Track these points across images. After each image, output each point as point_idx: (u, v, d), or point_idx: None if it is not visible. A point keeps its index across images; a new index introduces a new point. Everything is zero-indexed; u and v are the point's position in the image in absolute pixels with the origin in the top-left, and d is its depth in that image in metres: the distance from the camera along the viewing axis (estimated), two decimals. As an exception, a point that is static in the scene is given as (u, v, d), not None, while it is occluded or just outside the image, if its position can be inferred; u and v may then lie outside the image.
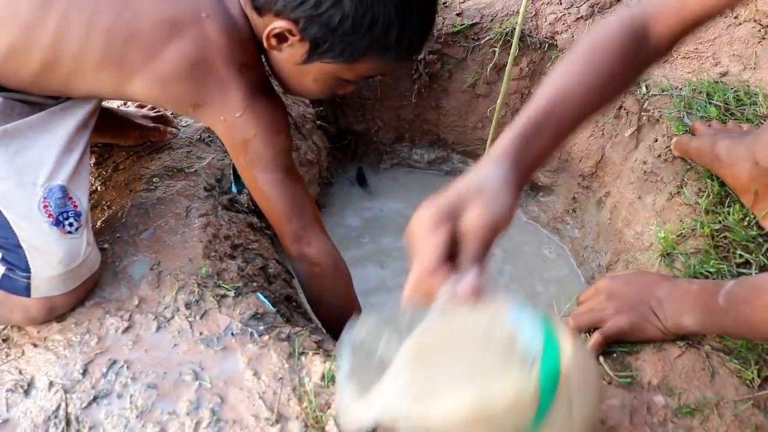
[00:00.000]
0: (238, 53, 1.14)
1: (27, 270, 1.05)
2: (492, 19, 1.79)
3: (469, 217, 0.73)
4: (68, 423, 0.97)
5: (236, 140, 1.20)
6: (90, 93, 1.18)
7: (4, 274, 1.06)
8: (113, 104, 1.54)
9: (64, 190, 1.08)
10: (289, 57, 1.15)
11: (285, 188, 1.25)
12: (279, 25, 1.08)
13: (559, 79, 0.91)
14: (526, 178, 0.86)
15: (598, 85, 0.91)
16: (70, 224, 1.07)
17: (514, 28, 1.72)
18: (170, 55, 1.10)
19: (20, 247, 1.04)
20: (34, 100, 1.15)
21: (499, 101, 1.59)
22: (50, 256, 1.05)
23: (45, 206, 1.05)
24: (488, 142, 1.72)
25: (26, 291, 1.06)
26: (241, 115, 1.17)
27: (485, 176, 0.78)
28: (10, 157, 1.06)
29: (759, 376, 0.98)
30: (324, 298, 1.36)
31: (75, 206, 1.09)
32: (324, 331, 1.34)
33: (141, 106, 1.60)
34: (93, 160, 1.46)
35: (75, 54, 1.08)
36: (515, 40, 1.48)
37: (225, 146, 1.27)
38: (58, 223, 1.06)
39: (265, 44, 1.13)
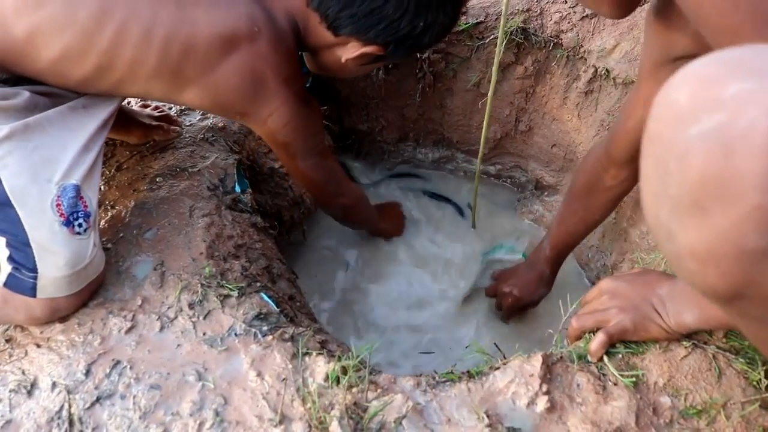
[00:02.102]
0: (285, 67, 1.25)
1: (34, 270, 1.05)
2: (497, 18, 1.78)
3: None
4: (71, 423, 0.97)
5: (278, 141, 1.35)
6: (137, 96, 1.27)
7: (10, 274, 1.06)
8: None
9: (77, 190, 1.08)
10: (353, 63, 1.29)
11: (323, 168, 1.46)
12: (371, 50, 1.25)
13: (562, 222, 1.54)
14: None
15: (589, 217, 1.48)
16: (80, 225, 1.08)
17: (519, 27, 1.72)
18: (226, 69, 1.18)
19: (29, 246, 1.04)
20: (57, 92, 1.16)
21: (489, 94, 1.59)
22: (57, 256, 1.05)
23: (58, 204, 1.06)
24: (482, 138, 1.72)
25: (32, 291, 1.06)
26: (285, 126, 1.30)
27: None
28: (29, 153, 1.07)
29: (766, 377, 0.97)
30: (358, 223, 1.83)
31: (85, 206, 1.09)
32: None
33: (145, 106, 1.60)
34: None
35: (130, 62, 1.13)
36: (499, 43, 1.47)
37: (264, 140, 1.42)
38: (68, 223, 1.06)
39: (344, 60, 1.28)
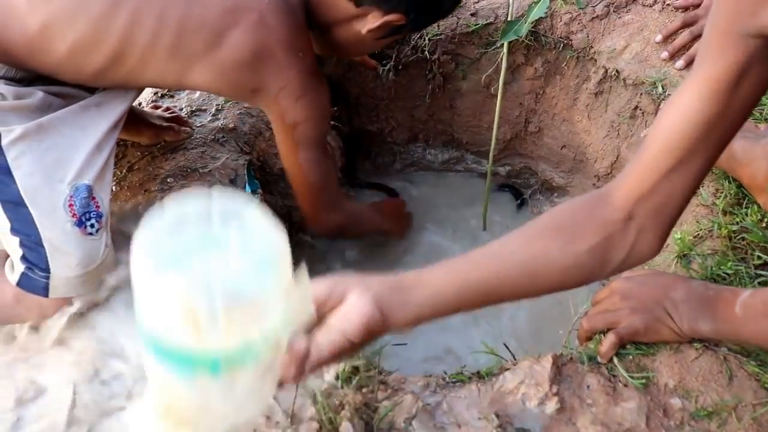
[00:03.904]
0: (296, 40, 1.22)
1: (47, 270, 1.05)
2: (506, 20, 1.78)
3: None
4: (80, 423, 0.98)
5: (287, 122, 1.30)
6: (151, 84, 1.28)
7: (23, 273, 1.07)
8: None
9: (90, 190, 1.09)
10: (372, 35, 1.26)
11: (322, 165, 1.40)
12: (393, 18, 1.22)
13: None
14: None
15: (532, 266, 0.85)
16: (92, 225, 1.09)
17: (529, 29, 1.72)
18: (232, 43, 1.16)
19: (42, 246, 1.05)
20: (70, 92, 1.17)
21: (498, 96, 1.58)
22: (69, 257, 1.06)
23: (71, 205, 1.07)
24: (493, 139, 1.71)
25: (44, 291, 1.07)
26: (297, 100, 1.26)
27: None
28: (42, 153, 1.08)
29: (778, 379, 0.97)
30: (355, 237, 1.75)
31: (98, 207, 1.10)
32: None
33: (156, 107, 1.61)
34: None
35: (144, 46, 1.13)
36: (505, 49, 1.46)
37: (273, 126, 1.36)
38: (80, 223, 1.07)
39: (364, 31, 1.25)
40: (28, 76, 1.14)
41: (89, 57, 1.13)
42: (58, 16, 1.09)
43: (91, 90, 1.20)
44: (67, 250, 1.06)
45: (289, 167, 1.42)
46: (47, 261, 1.05)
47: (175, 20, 1.12)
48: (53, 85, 1.16)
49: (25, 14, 1.08)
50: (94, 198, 1.10)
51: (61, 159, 1.09)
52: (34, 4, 1.08)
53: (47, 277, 1.06)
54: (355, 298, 0.75)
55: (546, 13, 1.73)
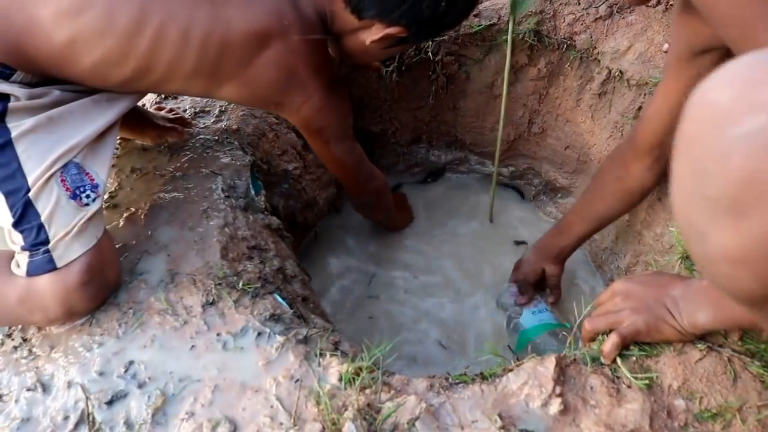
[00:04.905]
0: (316, 57, 1.31)
1: (46, 242, 1.07)
2: (509, 20, 1.78)
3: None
4: (86, 422, 0.98)
5: (312, 127, 1.43)
6: (176, 93, 1.36)
7: (29, 261, 1.08)
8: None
9: (78, 167, 1.13)
10: (376, 45, 1.31)
11: (355, 152, 1.57)
12: (394, 31, 1.26)
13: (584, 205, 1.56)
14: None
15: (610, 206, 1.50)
16: (87, 196, 1.13)
17: (532, 30, 1.72)
18: (261, 64, 1.23)
19: (42, 226, 1.07)
20: (85, 89, 1.20)
21: (504, 95, 1.58)
22: (64, 223, 1.09)
23: (62, 180, 1.10)
24: (498, 138, 1.72)
25: (51, 264, 1.08)
26: (320, 111, 1.37)
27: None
28: (52, 145, 1.11)
29: (782, 381, 0.96)
30: (385, 209, 1.87)
31: (92, 180, 1.14)
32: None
33: (160, 108, 1.61)
34: (112, 162, 1.48)
35: (169, 63, 1.17)
36: (509, 50, 1.46)
37: (299, 129, 1.47)
38: (74, 196, 1.11)
39: (368, 42, 1.30)
40: (45, 81, 1.16)
41: (115, 70, 1.16)
42: (85, 31, 1.11)
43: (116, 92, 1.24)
44: (63, 222, 1.08)
45: (324, 159, 1.56)
46: (46, 233, 1.07)
47: (198, 38, 1.16)
48: (70, 85, 1.18)
49: (50, 29, 1.10)
50: (87, 173, 1.14)
51: (70, 148, 1.13)
52: (61, 20, 1.10)
53: (48, 250, 1.07)
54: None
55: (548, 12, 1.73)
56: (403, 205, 2.09)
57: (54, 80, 1.16)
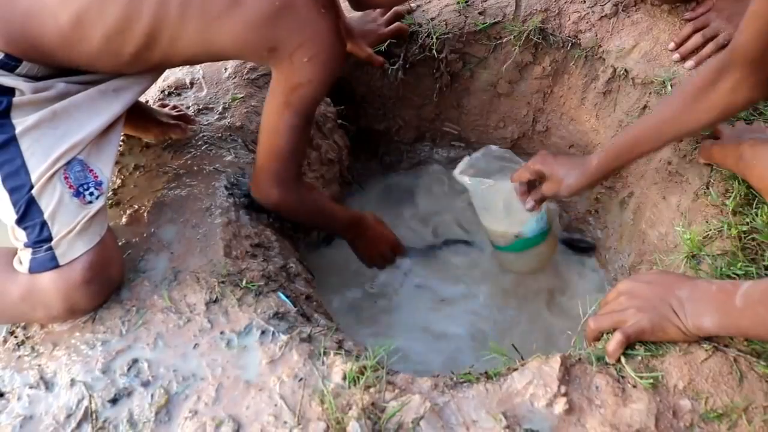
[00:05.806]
0: None
1: (49, 239, 1.07)
2: (513, 18, 1.77)
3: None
4: (89, 420, 0.98)
5: (291, 82, 1.24)
6: (183, 61, 1.29)
7: (31, 258, 1.08)
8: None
9: (82, 164, 1.12)
10: None
11: (300, 134, 1.31)
12: None
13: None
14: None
15: (685, 118, 1.25)
16: (90, 193, 1.12)
17: (537, 27, 1.71)
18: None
19: (46, 224, 1.07)
20: (93, 78, 1.19)
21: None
22: (67, 220, 1.09)
23: (66, 177, 1.10)
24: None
25: (54, 261, 1.08)
26: (310, 59, 1.20)
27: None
28: (56, 141, 1.11)
29: (788, 381, 0.96)
30: (301, 219, 1.55)
31: (96, 177, 1.13)
32: None
33: (163, 105, 1.61)
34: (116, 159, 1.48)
35: (175, 18, 1.12)
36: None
37: (271, 85, 1.29)
38: (78, 193, 1.10)
39: None
40: (51, 73, 1.15)
41: (124, 41, 1.13)
42: (89, 5, 1.09)
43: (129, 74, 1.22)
44: (67, 221, 1.08)
45: (265, 125, 1.32)
46: (49, 230, 1.07)
47: None
48: (76, 76, 1.17)
49: (56, 9, 1.09)
50: (91, 170, 1.13)
51: (74, 144, 1.12)
52: None
53: (51, 248, 1.07)
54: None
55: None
56: (379, 247, 1.72)
57: (60, 72, 1.15)
